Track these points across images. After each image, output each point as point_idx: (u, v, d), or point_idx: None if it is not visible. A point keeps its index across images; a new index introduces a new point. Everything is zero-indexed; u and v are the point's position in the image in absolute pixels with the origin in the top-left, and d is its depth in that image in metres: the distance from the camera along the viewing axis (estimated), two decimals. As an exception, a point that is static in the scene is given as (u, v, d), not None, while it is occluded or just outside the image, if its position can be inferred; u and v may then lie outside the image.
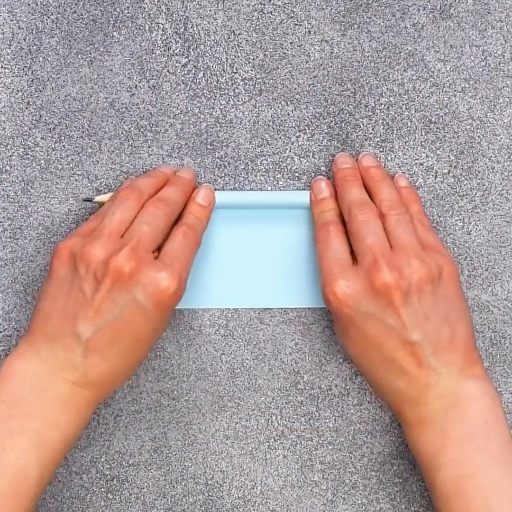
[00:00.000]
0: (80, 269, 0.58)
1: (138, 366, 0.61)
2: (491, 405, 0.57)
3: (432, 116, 0.67)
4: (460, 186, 0.67)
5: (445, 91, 0.67)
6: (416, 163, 0.67)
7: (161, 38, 0.66)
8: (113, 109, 0.66)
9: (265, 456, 0.67)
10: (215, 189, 0.66)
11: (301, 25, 0.66)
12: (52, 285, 0.59)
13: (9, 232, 0.66)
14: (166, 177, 0.64)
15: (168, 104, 0.66)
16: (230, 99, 0.66)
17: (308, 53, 0.66)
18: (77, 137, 0.66)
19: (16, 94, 0.66)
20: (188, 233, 0.61)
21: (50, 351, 0.58)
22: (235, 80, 0.66)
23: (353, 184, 0.63)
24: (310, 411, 0.66)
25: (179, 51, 0.66)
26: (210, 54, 0.66)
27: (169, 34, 0.66)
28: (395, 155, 0.66)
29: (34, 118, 0.66)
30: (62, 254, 0.59)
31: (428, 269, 0.58)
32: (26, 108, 0.66)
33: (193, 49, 0.66)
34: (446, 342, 0.58)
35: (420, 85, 0.66)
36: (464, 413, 0.57)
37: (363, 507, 0.66)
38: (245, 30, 0.66)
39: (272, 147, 0.66)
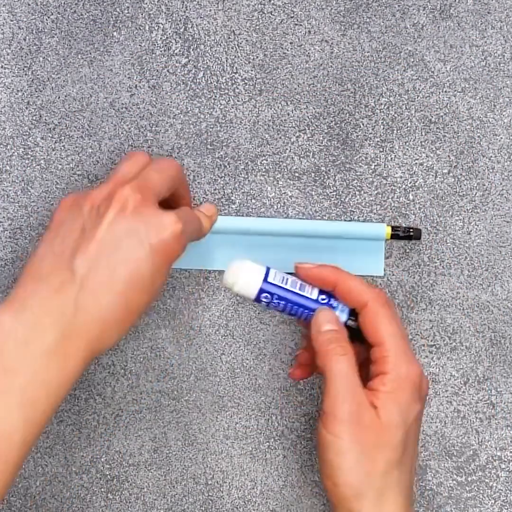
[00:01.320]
0: (84, 209, 0.55)
1: (127, 324, 0.56)
2: None
3: (432, 116, 0.67)
4: (460, 186, 0.67)
5: (445, 91, 0.67)
6: (416, 163, 0.67)
7: (161, 38, 0.66)
8: (113, 109, 0.66)
9: (265, 456, 0.67)
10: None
11: (301, 25, 0.66)
12: (49, 231, 0.56)
13: (9, 232, 0.66)
14: None
15: (168, 104, 0.66)
16: (230, 99, 0.66)
17: (308, 53, 0.66)
18: (77, 137, 0.66)
19: (16, 94, 0.66)
20: (193, 215, 0.60)
21: (39, 296, 0.53)
22: (235, 80, 0.66)
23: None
24: (310, 411, 0.66)
25: (179, 51, 0.66)
26: (210, 54, 0.66)
27: (169, 34, 0.66)
28: (395, 155, 0.66)
29: (34, 118, 0.66)
30: (65, 203, 0.57)
31: None
32: (26, 108, 0.66)
33: (193, 49, 0.66)
34: None
35: (420, 85, 0.66)
36: None
37: (363, 507, 0.66)
38: (245, 30, 0.66)
39: (272, 147, 0.66)
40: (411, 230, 0.65)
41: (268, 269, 0.59)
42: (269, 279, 0.58)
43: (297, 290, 0.58)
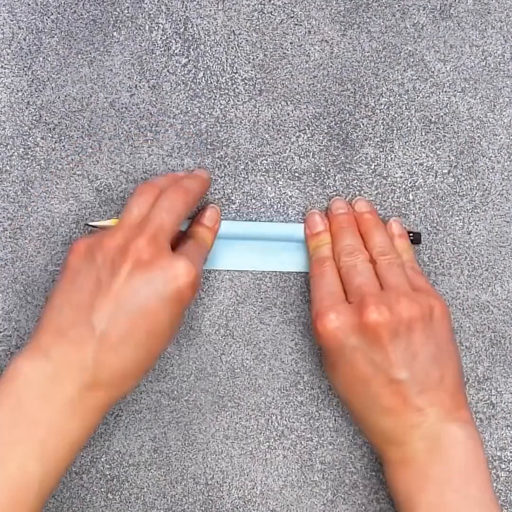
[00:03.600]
0: (98, 258, 0.56)
1: (147, 369, 0.59)
2: (473, 449, 0.57)
3: (432, 116, 0.67)
4: (460, 186, 0.67)
5: (445, 91, 0.67)
6: (416, 163, 0.67)
7: (161, 38, 0.66)
8: (113, 109, 0.66)
9: (265, 456, 0.67)
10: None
11: (301, 25, 0.66)
12: (66, 279, 0.57)
13: (9, 232, 0.66)
14: (180, 177, 0.63)
15: (168, 104, 0.66)
16: (230, 99, 0.66)
17: (308, 53, 0.66)
18: (77, 137, 0.66)
19: (16, 94, 0.66)
20: (197, 245, 0.62)
21: (60, 349, 0.55)
22: (235, 80, 0.66)
23: (346, 231, 0.64)
24: (310, 411, 0.66)
25: (179, 51, 0.66)
26: (210, 54, 0.66)
27: (169, 34, 0.66)
28: (395, 155, 0.67)
29: (34, 118, 0.66)
30: (79, 249, 0.57)
31: (419, 308, 0.58)
32: (26, 108, 0.66)
33: (193, 49, 0.66)
34: (434, 382, 0.58)
35: (420, 85, 0.66)
36: (446, 456, 0.56)
37: (363, 507, 0.66)
38: (245, 30, 0.66)
39: (272, 147, 0.66)
40: (411, 234, 0.65)
41: None
42: None
43: None
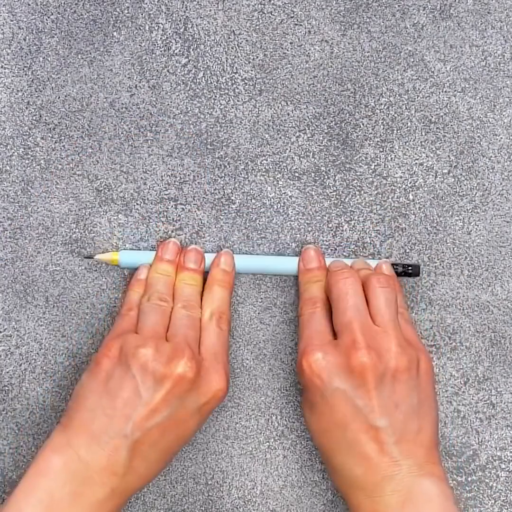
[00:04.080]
0: (133, 367, 0.57)
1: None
2: (445, 506, 0.56)
3: (432, 116, 0.67)
4: (460, 186, 0.67)
5: (445, 91, 0.67)
6: (416, 163, 0.67)
7: (161, 38, 0.66)
8: (113, 109, 0.66)
9: (265, 456, 0.66)
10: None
11: (301, 25, 0.66)
12: (97, 381, 0.58)
13: (9, 232, 0.66)
14: (175, 265, 0.64)
15: (168, 104, 0.66)
16: (230, 99, 0.66)
17: (308, 53, 0.66)
18: (77, 137, 0.66)
19: (16, 94, 0.66)
20: (220, 321, 0.63)
21: (92, 451, 0.56)
22: (235, 80, 0.66)
23: (345, 279, 0.62)
24: (310, 411, 0.66)
25: (179, 51, 0.66)
26: (210, 54, 0.66)
27: (169, 34, 0.66)
28: (395, 155, 0.66)
29: (34, 118, 0.66)
30: (112, 352, 0.59)
31: (407, 360, 0.58)
32: (26, 108, 0.66)
33: (193, 49, 0.66)
34: (411, 434, 0.57)
35: (420, 85, 0.66)
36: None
37: (363, 507, 0.66)
38: (245, 30, 0.66)
39: (272, 147, 0.66)
40: (410, 267, 0.65)
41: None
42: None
43: None
